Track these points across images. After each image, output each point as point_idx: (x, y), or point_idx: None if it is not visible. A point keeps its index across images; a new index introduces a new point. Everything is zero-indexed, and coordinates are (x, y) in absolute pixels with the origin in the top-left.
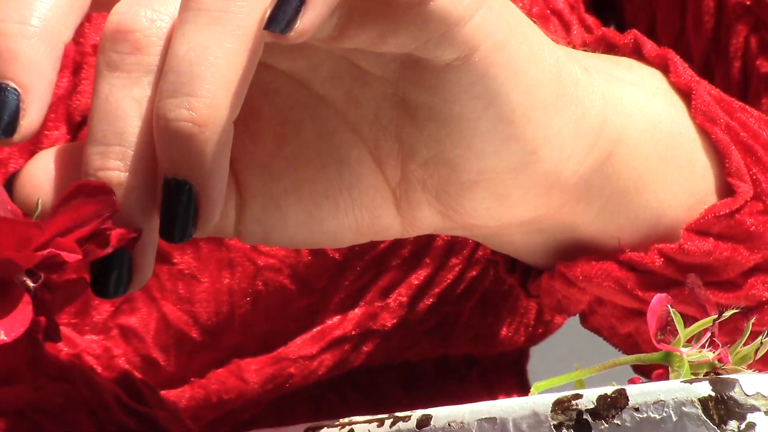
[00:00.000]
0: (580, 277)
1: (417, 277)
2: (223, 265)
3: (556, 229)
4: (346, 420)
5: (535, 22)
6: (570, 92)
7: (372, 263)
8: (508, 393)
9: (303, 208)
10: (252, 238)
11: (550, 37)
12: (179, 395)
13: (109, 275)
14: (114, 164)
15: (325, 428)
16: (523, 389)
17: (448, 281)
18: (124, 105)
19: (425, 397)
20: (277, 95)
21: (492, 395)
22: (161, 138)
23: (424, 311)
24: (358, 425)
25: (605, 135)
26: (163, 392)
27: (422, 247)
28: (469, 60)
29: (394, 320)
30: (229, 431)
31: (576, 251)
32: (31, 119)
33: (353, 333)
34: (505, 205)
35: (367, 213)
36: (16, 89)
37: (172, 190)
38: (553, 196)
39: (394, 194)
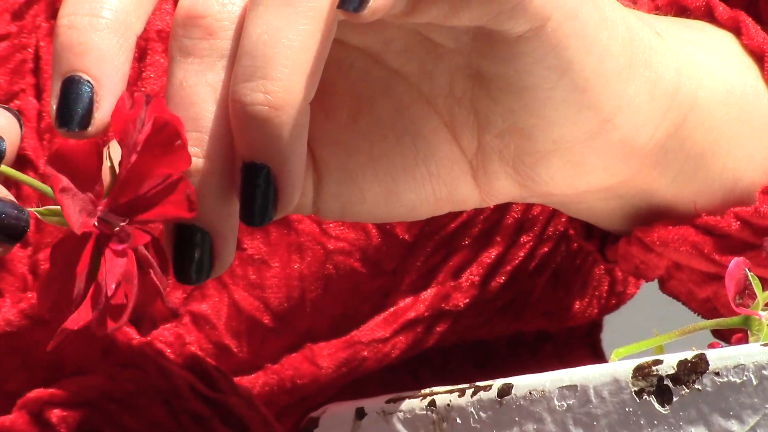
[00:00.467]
0: (657, 243)
1: (488, 256)
2: (292, 249)
3: (633, 195)
4: (427, 391)
5: None
6: (643, 58)
7: (442, 243)
8: (581, 364)
9: (380, 182)
10: (330, 213)
11: (620, 3)
12: (252, 381)
13: (191, 262)
14: (191, 150)
15: (407, 399)
16: (597, 359)
17: (520, 258)
18: (198, 90)
19: (498, 373)
20: (351, 70)
21: (565, 367)
22: (238, 122)
23: (496, 289)
24: (439, 396)
25: (679, 100)
26: (236, 379)
27: (492, 225)
28: (541, 31)
29: (467, 300)
30: (304, 415)
31: (653, 216)
32: (104, 112)
33: (426, 314)
34: (581, 173)
35: (444, 185)
36: (89, 81)
37: (250, 174)
38: (629, 163)
39: (471, 165)
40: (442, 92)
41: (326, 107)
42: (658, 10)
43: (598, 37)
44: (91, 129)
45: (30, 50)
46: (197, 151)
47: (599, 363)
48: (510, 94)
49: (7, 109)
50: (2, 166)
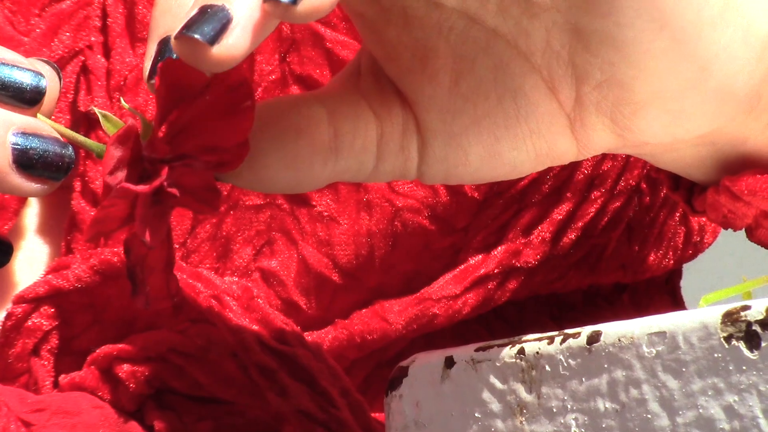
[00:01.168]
0: (745, 191)
1: (559, 212)
2: (361, 206)
3: (725, 143)
4: (516, 338)
5: None
6: (735, 4)
7: (512, 200)
8: (659, 312)
9: (483, 143)
10: (435, 177)
11: None
12: (322, 336)
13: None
14: None
15: (495, 347)
16: (677, 307)
17: (591, 214)
18: None
19: (575, 324)
20: (451, 33)
21: (644, 316)
22: None
23: (568, 246)
24: (528, 343)
25: None
26: (305, 334)
27: (563, 182)
28: None
29: (538, 256)
30: (374, 368)
31: (743, 165)
32: (237, 39)
33: (496, 271)
34: (678, 121)
35: (544, 140)
36: (228, 10)
37: None
38: (724, 110)
39: (569, 119)
40: (539, 48)
41: (429, 72)
42: None
43: None
44: (216, 49)
45: (95, 6)
46: None
47: (679, 310)
48: (610, 47)
49: (47, 62)
50: (41, 116)
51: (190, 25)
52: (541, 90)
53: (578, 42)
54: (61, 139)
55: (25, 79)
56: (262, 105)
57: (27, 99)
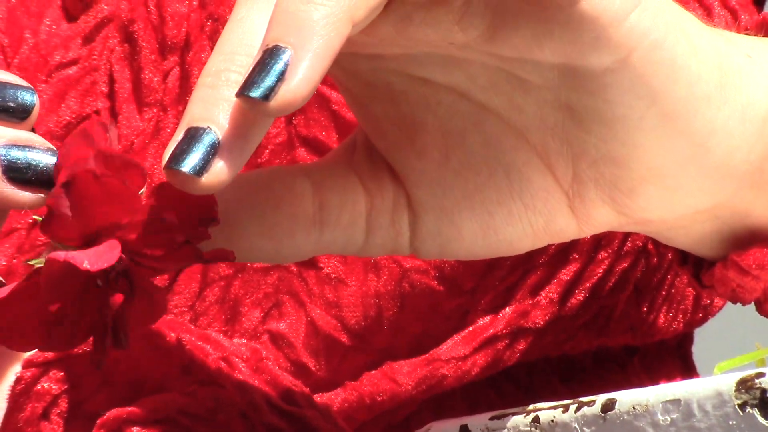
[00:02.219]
0: (754, 266)
1: (566, 273)
2: (369, 268)
3: (730, 216)
4: (531, 407)
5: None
6: (733, 81)
7: (519, 262)
8: (670, 377)
9: (476, 219)
10: (429, 252)
11: (710, 26)
12: (331, 398)
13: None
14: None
15: (510, 415)
16: (688, 373)
17: (599, 275)
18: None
19: (585, 387)
20: (439, 107)
21: (654, 381)
22: (273, 16)
23: (576, 306)
24: (542, 411)
25: None
26: (315, 396)
27: (569, 243)
28: (627, 62)
29: (547, 317)
30: (383, 431)
31: (750, 238)
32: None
33: (505, 331)
34: (678, 198)
35: (541, 216)
36: (213, 132)
37: (267, 53)
38: (725, 185)
39: (567, 195)
40: (533, 124)
41: (418, 147)
42: (747, 31)
43: (686, 64)
44: (206, 179)
45: (102, 72)
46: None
47: (690, 376)
48: (601, 125)
49: (29, 87)
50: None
51: (177, 155)
52: (534, 165)
53: (571, 119)
54: (55, 149)
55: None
56: (243, 175)
57: (18, 114)
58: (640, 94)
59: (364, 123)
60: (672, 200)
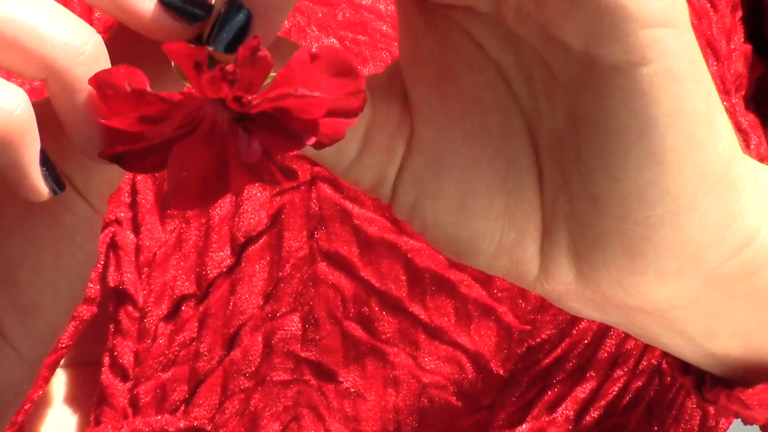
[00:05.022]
0: (756, 403)
1: (582, 391)
2: (388, 382)
3: (698, 333)
4: None
5: None
6: (734, 186)
7: (537, 378)
8: None
9: (459, 188)
10: (404, 200)
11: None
12: None
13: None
14: None
15: None
16: None
17: (614, 393)
18: None
19: None
20: (479, 75)
21: None
22: None
23: (590, 424)
24: None
25: (757, 246)
26: None
27: (586, 360)
28: (636, 69)
29: None
30: None
31: (745, 360)
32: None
33: None
34: (635, 268)
35: (513, 231)
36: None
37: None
38: (686, 279)
39: (542, 228)
40: (543, 136)
41: (442, 93)
42: (763, 160)
43: (694, 123)
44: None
45: (126, 183)
46: None
47: None
48: (595, 142)
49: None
50: None
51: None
52: (530, 179)
53: (573, 134)
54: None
55: None
56: None
57: None
58: (636, 112)
59: (405, 47)
60: (629, 268)
